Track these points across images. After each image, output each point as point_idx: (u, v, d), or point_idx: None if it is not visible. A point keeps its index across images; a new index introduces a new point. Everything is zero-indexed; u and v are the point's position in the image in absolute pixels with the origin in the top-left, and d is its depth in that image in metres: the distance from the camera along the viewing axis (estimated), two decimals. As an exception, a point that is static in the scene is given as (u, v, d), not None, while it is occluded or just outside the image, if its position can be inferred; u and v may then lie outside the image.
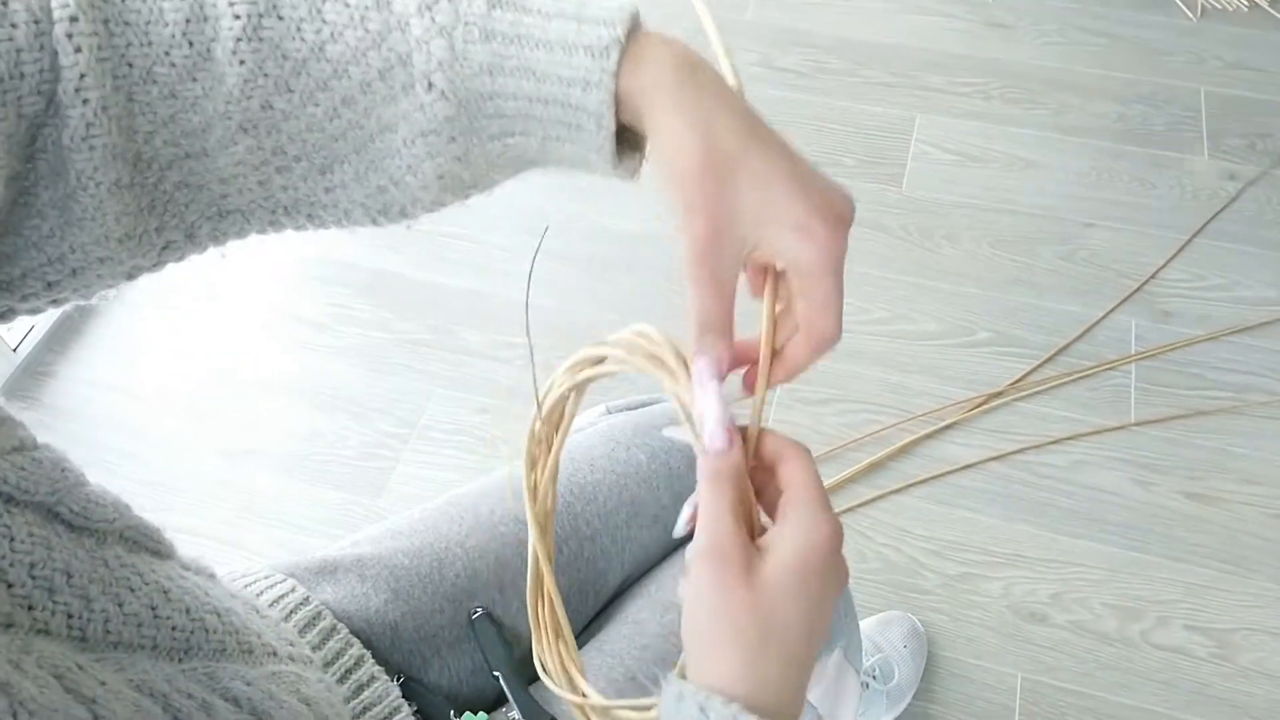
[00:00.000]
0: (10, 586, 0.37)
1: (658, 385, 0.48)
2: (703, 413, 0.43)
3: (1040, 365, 1.45)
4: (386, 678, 0.64)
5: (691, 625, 0.42)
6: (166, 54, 0.41)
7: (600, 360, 0.50)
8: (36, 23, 0.39)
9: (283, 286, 1.59)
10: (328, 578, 0.68)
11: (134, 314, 1.55)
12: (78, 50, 0.39)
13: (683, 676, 0.42)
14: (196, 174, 0.44)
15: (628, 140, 0.44)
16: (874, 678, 1.14)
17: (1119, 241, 1.60)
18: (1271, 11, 1.94)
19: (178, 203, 0.45)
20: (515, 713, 0.64)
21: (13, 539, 0.38)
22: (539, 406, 0.53)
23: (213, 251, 0.48)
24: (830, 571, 0.41)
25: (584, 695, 0.51)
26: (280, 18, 0.41)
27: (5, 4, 0.39)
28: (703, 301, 0.43)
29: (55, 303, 0.45)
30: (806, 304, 0.43)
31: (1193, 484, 1.33)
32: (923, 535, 1.29)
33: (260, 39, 0.41)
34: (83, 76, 0.39)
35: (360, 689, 0.62)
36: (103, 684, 0.37)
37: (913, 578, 1.26)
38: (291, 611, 0.63)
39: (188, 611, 0.45)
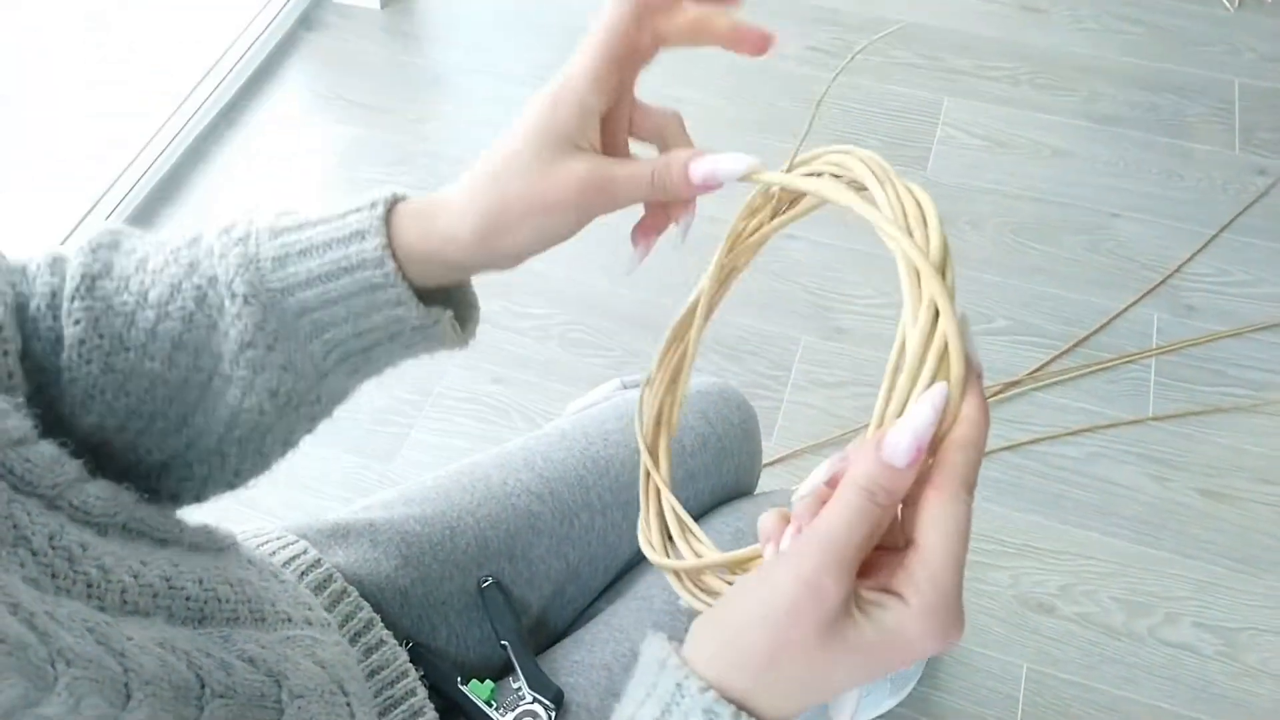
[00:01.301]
0: (35, 554, 0.38)
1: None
2: (908, 410, 0.35)
3: (1059, 356, 1.44)
4: (394, 642, 0.64)
5: (731, 622, 0.37)
6: (35, 325, 0.46)
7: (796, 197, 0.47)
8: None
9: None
10: (340, 541, 0.68)
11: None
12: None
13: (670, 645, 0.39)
14: (81, 442, 0.46)
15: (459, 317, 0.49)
16: (878, 661, 1.14)
17: (1144, 233, 1.58)
18: (1311, 4, 1.91)
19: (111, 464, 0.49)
20: (521, 682, 0.65)
21: (30, 512, 0.39)
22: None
23: (215, 498, 0.53)
24: (908, 661, 0.36)
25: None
26: (112, 278, 0.46)
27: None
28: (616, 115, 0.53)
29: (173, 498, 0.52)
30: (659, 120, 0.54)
31: (1208, 481, 1.32)
32: (933, 521, 1.29)
33: (94, 297, 0.45)
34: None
35: (369, 652, 0.62)
36: (130, 639, 0.37)
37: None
38: (303, 573, 0.63)
39: (200, 582, 0.46)
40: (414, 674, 0.63)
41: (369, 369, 0.50)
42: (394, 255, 0.45)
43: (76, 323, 0.45)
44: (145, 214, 1.62)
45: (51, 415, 0.46)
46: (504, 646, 0.67)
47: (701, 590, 0.46)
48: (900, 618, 0.34)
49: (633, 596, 0.71)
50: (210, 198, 1.66)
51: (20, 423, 0.41)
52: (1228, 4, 1.92)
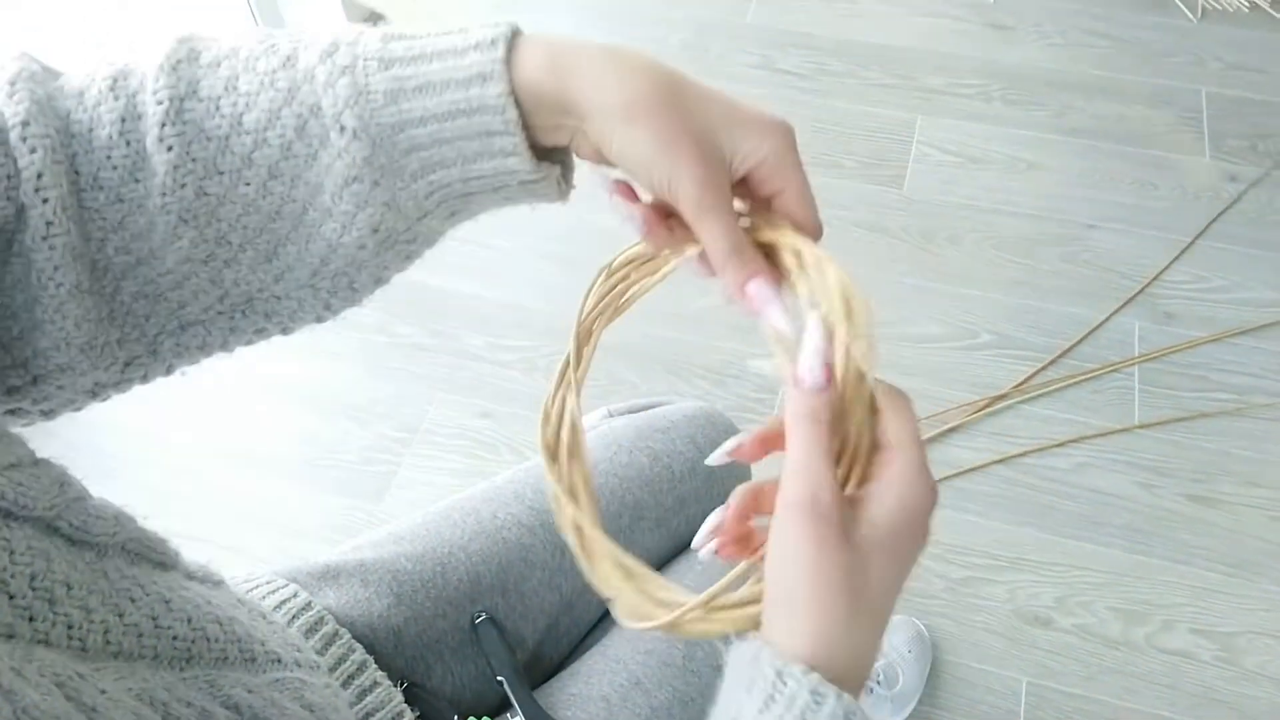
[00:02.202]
0: (11, 598, 0.37)
1: (664, 385, 0.47)
2: (803, 343, 0.41)
3: (1043, 368, 1.44)
4: (389, 683, 0.63)
5: (779, 582, 0.38)
6: (108, 157, 0.42)
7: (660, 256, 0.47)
8: None
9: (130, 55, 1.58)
10: (330, 583, 0.67)
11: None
12: (33, 151, 0.41)
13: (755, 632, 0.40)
14: (151, 282, 0.44)
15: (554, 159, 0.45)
16: (878, 683, 1.13)
17: (1121, 243, 1.60)
18: (1272, 13, 1.94)
19: (137, 314, 0.45)
20: (519, 718, 0.64)
21: (13, 552, 0.38)
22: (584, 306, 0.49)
23: (177, 372, 0.49)
24: (922, 535, 0.39)
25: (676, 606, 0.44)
26: (200, 99, 0.43)
27: None
28: (724, 224, 0.43)
29: (13, 413, 0.46)
30: (787, 198, 0.44)
31: (1196, 487, 1.33)
32: (926, 538, 1.29)
33: (184, 121, 0.42)
34: (40, 175, 0.41)
35: (363, 694, 0.62)
36: (103, 692, 0.37)
37: (917, 582, 1.26)
38: (294, 617, 0.63)
39: (189, 621, 0.45)
40: (410, 715, 0.63)
41: (467, 213, 0.47)
42: (516, 102, 0.42)
43: (170, 149, 0.42)
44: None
45: (135, 250, 0.43)
46: (500, 683, 0.66)
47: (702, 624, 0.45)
48: (899, 489, 0.39)
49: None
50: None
51: (10, 446, 0.40)
52: (1190, 15, 1.95)
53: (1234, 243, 1.59)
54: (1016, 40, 1.93)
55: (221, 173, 0.43)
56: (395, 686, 0.64)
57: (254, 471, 1.38)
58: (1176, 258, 1.57)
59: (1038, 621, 1.22)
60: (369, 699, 0.62)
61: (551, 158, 0.45)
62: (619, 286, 0.50)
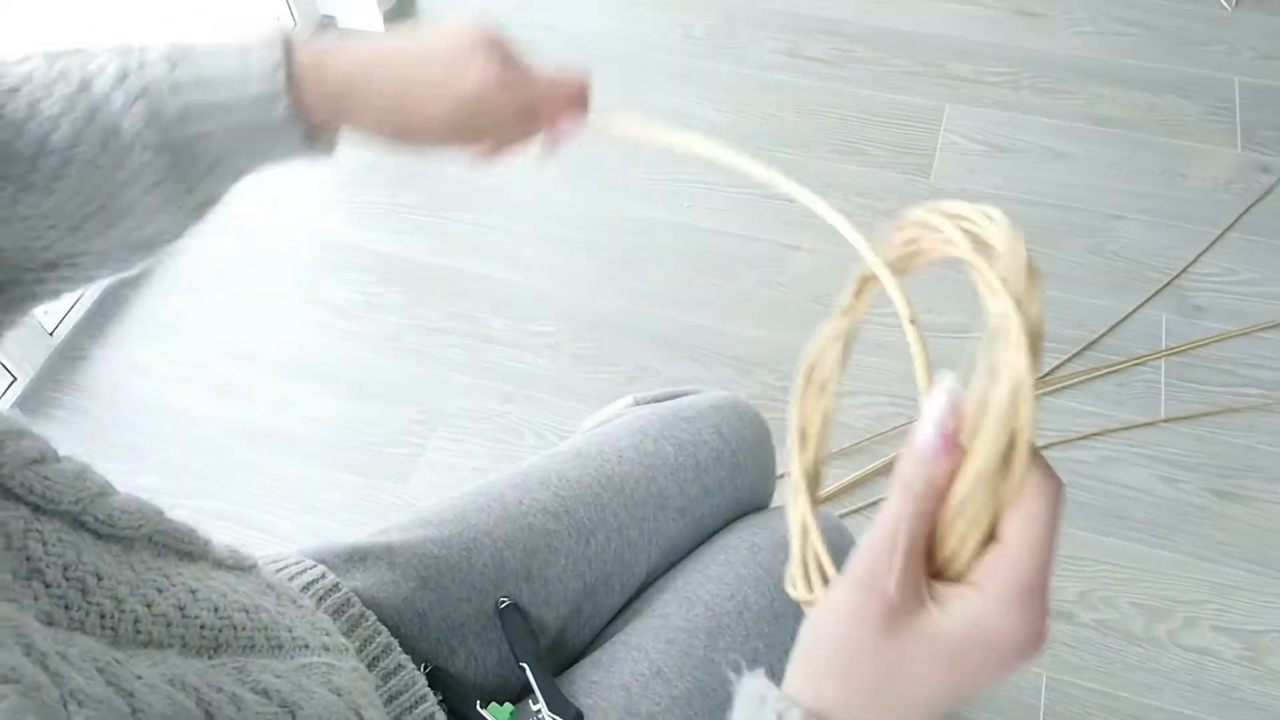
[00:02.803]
0: (48, 586, 0.38)
1: (689, 373, 0.46)
2: (928, 404, 0.36)
3: (1068, 360, 1.43)
4: (413, 666, 0.64)
5: (808, 642, 0.37)
6: None
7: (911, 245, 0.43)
8: None
9: (308, 273, 1.59)
10: (357, 565, 0.68)
11: (165, 300, 1.56)
12: None
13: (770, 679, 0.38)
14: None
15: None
16: (897, 672, 1.13)
17: (1149, 235, 1.58)
18: (1309, 2, 1.91)
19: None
20: (541, 704, 0.64)
21: (45, 543, 0.39)
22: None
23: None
24: (997, 671, 0.34)
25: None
26: (5, 122, 0.47)
27: None
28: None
29: None
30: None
31: (1222, 482, 1.32)
32: (947, 530, 1.29)
33: None
34: None
35: (387, 677, 0.62)
36: (139, 678, 0.37)
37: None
38: (321, 598, 0.63)
39: (216, 610, 0.46)
40: (433, 698, 0.63)
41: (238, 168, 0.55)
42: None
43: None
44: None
45: None
46: (523, 668, 0.67)
47: None
48: (976, 607, 0.33)
49: (650, 615, 0.70)
50: (215, 224, 1.66)
51: (35, 442, 0.41)
52: (1225, 3, 1.92)
53: (1265, 235, 1.57)
54: (1047, 28, 1.91)
55: (33, 188, 0.47)
56: (419, 670, 0.64)
57: (281, 452, 1.40)
58: (1205, 250, 1.55)
59: (1059, 616, 1.22)
60: (393, 681, 0.62)
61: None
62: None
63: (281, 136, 0.51)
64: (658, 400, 0.83)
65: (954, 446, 0.35)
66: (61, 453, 0.43)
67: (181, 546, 0.47)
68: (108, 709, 0.34)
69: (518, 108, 0.56)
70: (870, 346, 1.45)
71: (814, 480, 0.43)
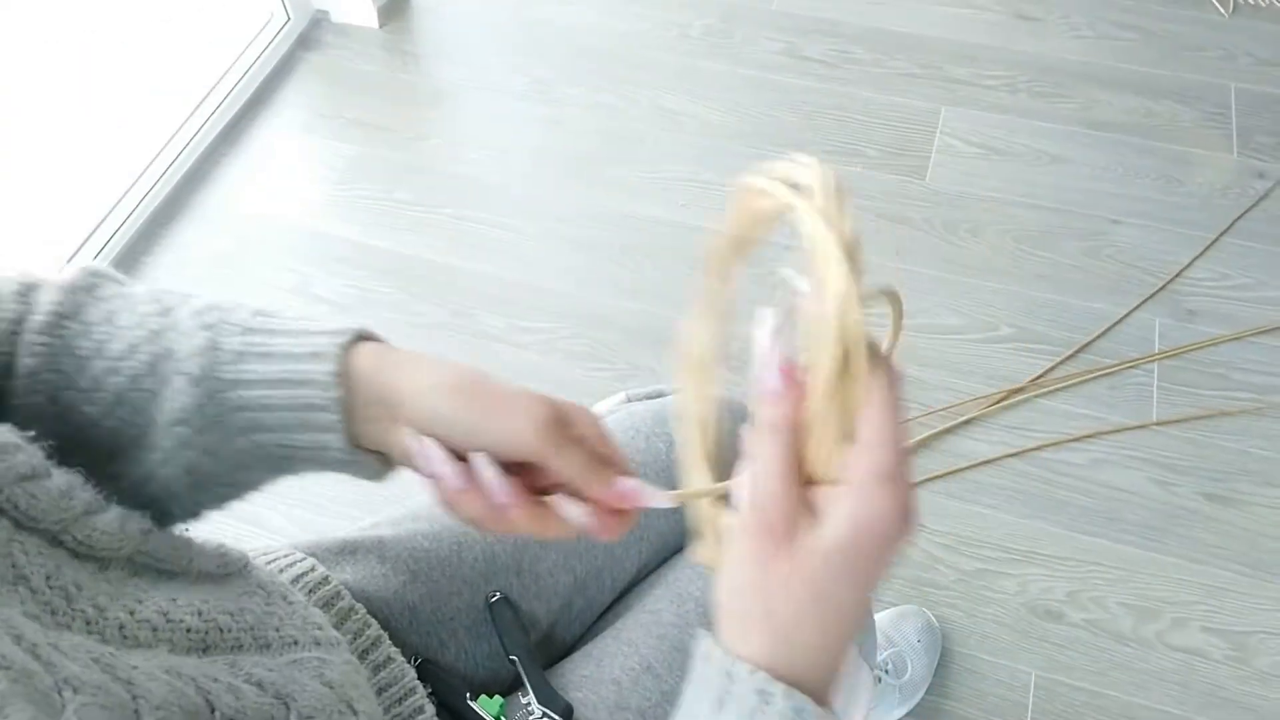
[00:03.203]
0: (34, 592, 0.38)
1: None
2: (755, 345, 0.39)
3: (1062, 362, 1.44)
4: (403, 659, 0.64)
5: (724, 594, 0.40)
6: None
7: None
8: None
9: (304, 268, 1.59)
10: (348, 558, 0.68)
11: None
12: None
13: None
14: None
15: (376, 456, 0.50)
16: (887, 672, 1.14)
17: (1144, 238, 1.58)
18: (1306, 8, 1.91)
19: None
20: (531, 697, 0.64)
21: (27, 553, 0.39)
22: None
23: None
24: (886, 552, 0.38)
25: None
26: (80, 321, 0.47)
27: None
28: (572, 453, 0.47)
29: None
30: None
31: (1213, 485, 1.32)
32: (939, 530, 1.29)
33: (57, 336, 0.47)
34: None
35: (377, 669, 0.62)
36: (135, 667, 0.37)
37: (928, 573, 1.26)
38: (311, 590, 0.63)
39: (199, 614, 0.46)
40: (422, 691, 0.63)
41: (289, 472, 0.51)
42: (343, 384, 0.47)
43: (34, 355, 0.46)
44: (147, 235, 1.63)
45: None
46: (513, 661, 0.67)
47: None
48: (848, 504, 0.37)
49: (641, 610, 0.71)
50: (211, 220, 1.66)
51: (29, 457, 0.41)
52: (1221, 9, 1.92)
53: (1259, 241, 1.57)
54: (1044, 32, 1.91)
55: (75, 389, 0.47)
56: (409, 663, 0.64)
57: (272, 447, 1.40)
58: (1200, 255, 1.56)
59: (1049, 615, 1.22)
60: (382, 674, 0.62)
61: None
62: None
63: (317, 414, 0.47)
64: (650, 397, 0.83)
65: (793, 377, 0.38)
66: (56, 465, 0.43)
67: (161, 566, 0.47)
68: (105, 695, 0.34)
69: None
70: (864, 347, 1.45)
71: (716, 466, 0.46)
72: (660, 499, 0.46)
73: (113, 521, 0.44)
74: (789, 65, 1.87)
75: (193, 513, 0.52)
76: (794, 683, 0.37)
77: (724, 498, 0.44)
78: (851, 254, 0.37)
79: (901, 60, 1.87)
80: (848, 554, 0.37)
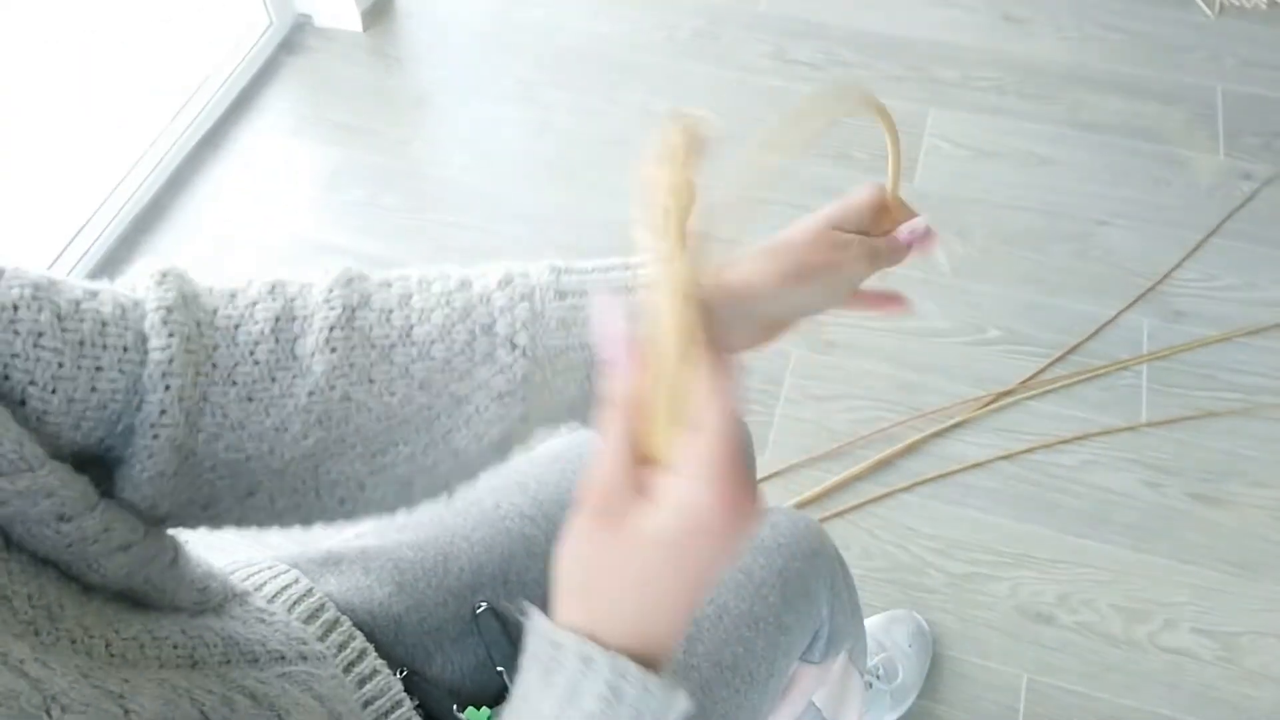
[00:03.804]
0: (16, 613, 0.37)
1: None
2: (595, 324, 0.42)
3: (1051, 364, 1.44)
4: (389, 671, 0.63)
5: (562, 567, 0.40)
6: (251, 353, 0.44)
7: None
8: (122, 307, 0.42)
9: (288, 272, 1.58)
10: (332, 569, 0.67)
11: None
12: (170, 335, 0.41)
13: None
14: (249, 471, 0.45)
15: None
16: (878, 677, 1.13)
17: (1132, 240, 1.59)
18: (1290, 10, 1.92)
19: (206, 494, 0.45)
20: (518, 709, 0.64)
21: (11, 572, 0.38)
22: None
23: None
24: (716, 546, 0.37)
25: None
26: (372, 309, 0.45)
27: (95, 293, 0.41)
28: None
29: None
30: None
31: (1203, 486, 1.32)
32: (929, 534, 1.29)
33: (353, 328, 0.45)
34: (170, 360, 0.41)
35: (363, 682, 0.61)
36: (126, 681, 0.37)
37: (919, 576, 1.25)
38: (295, 603, 0.62)
39: (183, 631, 0.45)
40: (409, 703, 0.62)
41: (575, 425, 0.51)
42: None
43: (333, 350, 0.44)
44: (128, 241, 1.61)
45: (248, 448, 0.44)
46: (500, 672, 0.66)
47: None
48: (679, 491, 0.37)
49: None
50: (194, 224, 1.65)
51: (61, 501, 0.38)
52: (1207, 10, 1.93)
53: (1246, 241, 1.58)
54: (1031, 34, 1.91)
55: (373, 381, 0.44)
56: (395, 675, 0.64)
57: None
58: (1188, 256, 1.56)
59: (1040, 618, 1.22)
60: (368, 687, 0.61)
61: None
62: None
63: None
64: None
65: (635, 353, 0.39)
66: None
67: (140, 601, 0.46)
68: (96, 711, 0.33)
69: None
70: (854, 351, 1.45)
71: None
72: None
73: (121, 566, 0.42)
74: (776, 68, 1.86)
75: (468, 481, 0.51)
76: (620, 651, 0.38)
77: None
78: (695, 238, 0.38)
79: (889, 62, 1.86)
80: (672, 545, 0.37)
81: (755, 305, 0.48)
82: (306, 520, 0.49)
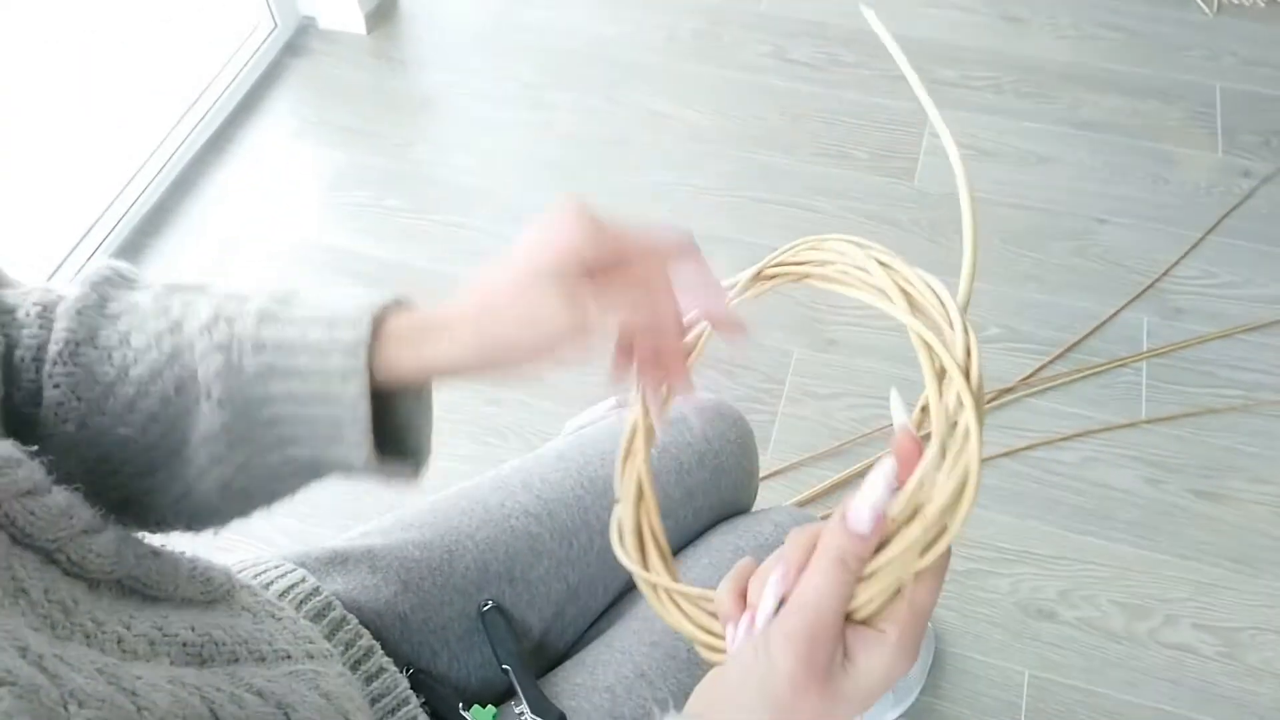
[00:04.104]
0: (34, 605, 0.38)
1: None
2: (865, 484, 0.41)
3: (1051, 361, 1.44)
4: (395, 669, 0.64)
5: (734, 688, 0.41)
6: (20, 375, 0.46)
7: (810, 266, 0.48)
8: None
9: (291, 274, 1.59)
10: (338, 568, 0.68)
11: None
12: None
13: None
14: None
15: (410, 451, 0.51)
16: (880, 673, 1.14)
17: (1131, 238, 1.59)
18: (1289, 7, 1.92)
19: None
20: (524, 706, 0.64)
21: (25, 565, 0.39)
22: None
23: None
24: (879, 693, 0.41)
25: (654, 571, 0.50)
26: (96, 346, 0.47)
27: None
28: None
29: None
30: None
31: (1203, 482, 1.33)
32: (931, 531, 1.29)
33: (76, 364, 0.46)
34: None
35: (370, 680, 0.62)
36: (139, 678, 0.37)
37: (920, 573, 1.26)
38: (301, 602, 0.63)
39: (192, 628, 0.46)
40: (415, 701, 0.63)
41: (319, 479, 0.51)
42: (370, 393, 0.46)
43: (56, 386, 0.46)
44: (133, 244, 1.62)
45: (51, 448, 0.46)
46: (505, 670, 0.67)
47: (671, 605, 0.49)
48: (884, 653, 0.40)
49: (633, 617, 0.71)
50: (199, 227, 1.66)
51: (31, 473, 0.41)
52: (1206, 9, 1.93)
53: (1245, 239, 1.58)
54: (1029, 32, 1.92)
55: (104, 413, 0.46)
56: (401, 673, 0.64)
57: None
58: (1186, 253, 1.56)
59: (1041, 614, 1.23)
60: (374, 684, 0.62)
61: (405, 442, 0.51)
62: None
63: (346, 424, 0.46)
64: (641, 403, 0.83)
65: (884, 524, 0.40)
66: (56, 484, 0.43)
67: (147, 591, 0.47)
68: (110, 707, 0.34)
69: (626, 307, 0.45)
70: (855, 349, 1.46)
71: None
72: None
73: (109, 543, 0.44)
74: (777, 68, 1.87)
75: (225, 522, 0.52)
76: None
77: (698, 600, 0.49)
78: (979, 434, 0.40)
79: (888, 62, 1.87)
80: (863, 693, 0.40)
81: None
82: (173, 528, 0.52)
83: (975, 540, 1.28)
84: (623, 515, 0.52)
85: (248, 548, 1.30)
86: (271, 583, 0.64)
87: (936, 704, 1.17)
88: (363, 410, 0.45)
